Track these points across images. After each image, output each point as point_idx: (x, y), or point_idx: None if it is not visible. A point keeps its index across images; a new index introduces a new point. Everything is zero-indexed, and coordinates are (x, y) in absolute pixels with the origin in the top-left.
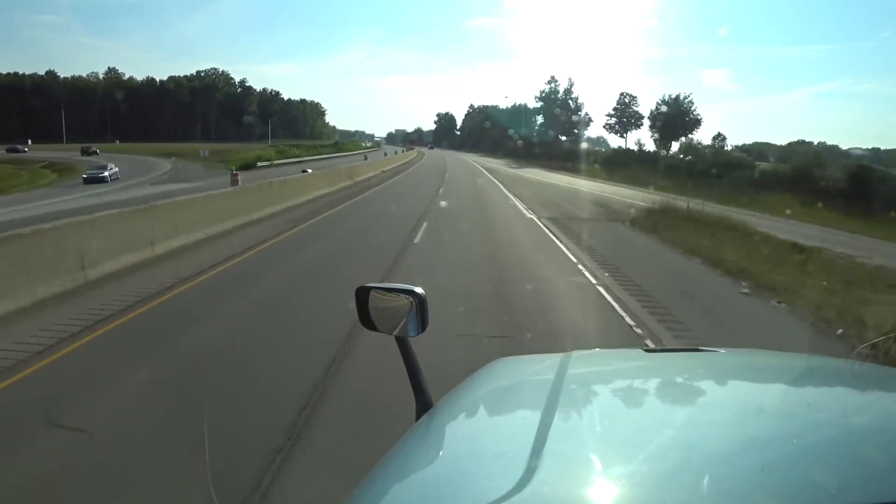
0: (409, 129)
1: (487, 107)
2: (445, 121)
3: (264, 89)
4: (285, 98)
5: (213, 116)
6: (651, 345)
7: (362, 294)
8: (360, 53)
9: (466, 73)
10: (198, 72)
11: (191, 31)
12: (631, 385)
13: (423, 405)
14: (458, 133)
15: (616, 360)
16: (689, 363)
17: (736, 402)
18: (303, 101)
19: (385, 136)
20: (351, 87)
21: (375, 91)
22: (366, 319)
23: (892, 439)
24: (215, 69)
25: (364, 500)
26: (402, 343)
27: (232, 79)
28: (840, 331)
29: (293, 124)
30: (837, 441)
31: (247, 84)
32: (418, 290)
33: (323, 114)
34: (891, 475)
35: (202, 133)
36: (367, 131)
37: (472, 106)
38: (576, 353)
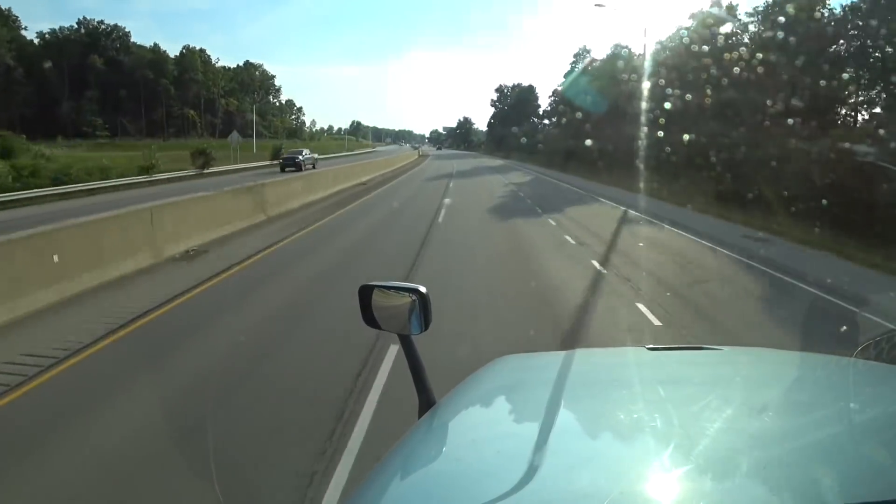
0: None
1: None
2: (517, 98)
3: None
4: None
5: None
6: None
7: (365, 292)
8: (418, 54)
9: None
10: None
11: (258, 36)
12: (633, 383)
13: (426, 403)
14: (544, 121)
15: (618, 357)
16: (691, 361)
17: (738, 400)
18: (186, 54)
19: (429, 133)
20: (405, 85)
21: (429, 89)
22: (369, 318)
23: (894, 437)
24: None
25: (367, 496)
26: (406, 341)
27: None
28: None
29: (141, 103)
30: (839, 439)
31: None
32: (421, 288)
33: (269, 88)
34: (892, 473)
35: None
36: (416, 131)
37: (585, 50)
38: (579, 351)
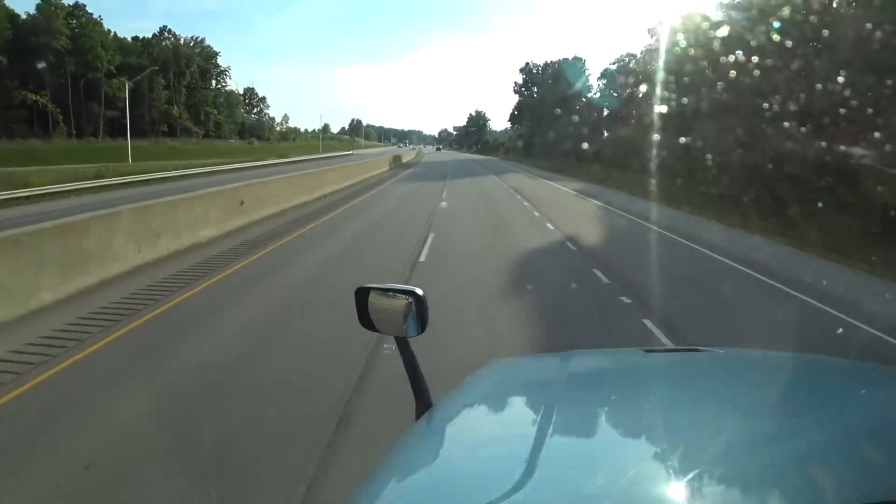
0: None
1: None
2: (554, 79)
3: None
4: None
5: None
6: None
7: (361, 295)
8: (426, 51)
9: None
10: None
11: (273, 36)
12: (629, 385)
13: (423, 405)
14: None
15: (614, 359)
16: (688, 363)
17: (736, 401)
18: (42, 7)
19: (438, 133)
20: (413, 83)
21: (439, 87)
22: (365, 320)
23: (892, 439)
24: None
25: (363, 500)
26: (402, 344)
27: None
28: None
29: None
30: (837, 440)
31: None
32: (418, 290)
33: (209, 70)
34: (890, 474)
35: None
36: (426, 131)
37: None
38: (574, 353)
